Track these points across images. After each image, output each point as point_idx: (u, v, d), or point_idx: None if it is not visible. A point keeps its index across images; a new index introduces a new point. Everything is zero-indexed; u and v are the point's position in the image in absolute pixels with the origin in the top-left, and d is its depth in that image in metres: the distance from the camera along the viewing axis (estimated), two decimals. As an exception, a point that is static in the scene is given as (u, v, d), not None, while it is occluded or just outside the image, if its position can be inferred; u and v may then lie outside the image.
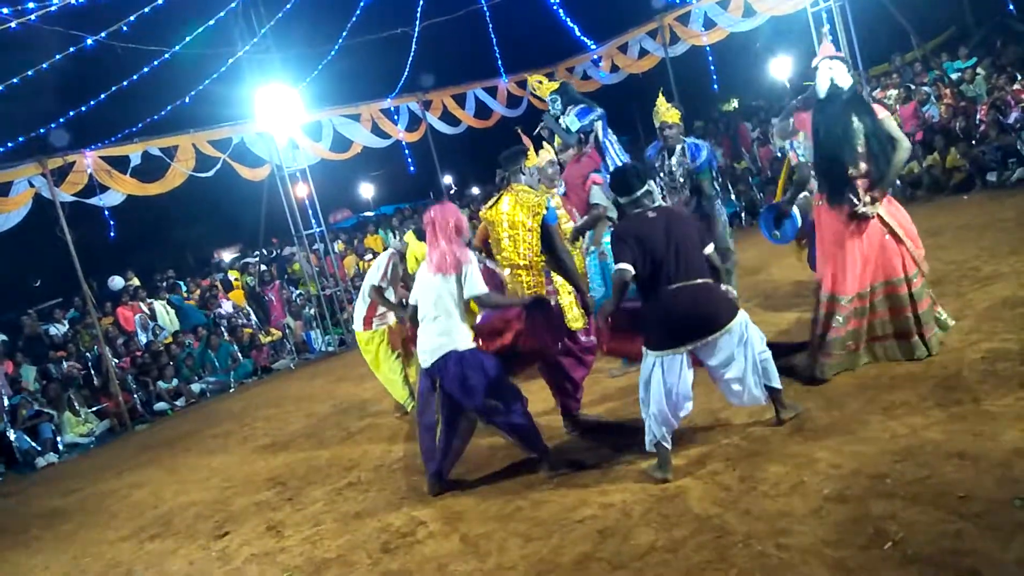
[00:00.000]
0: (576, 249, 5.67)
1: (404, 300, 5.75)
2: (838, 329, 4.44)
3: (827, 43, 4.67)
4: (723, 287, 4.04)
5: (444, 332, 4.22)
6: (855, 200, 4.32)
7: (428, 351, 4.29)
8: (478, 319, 4.53)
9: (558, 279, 4.83)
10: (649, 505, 3.54)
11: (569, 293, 4.82)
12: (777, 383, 3.96)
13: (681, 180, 6.14)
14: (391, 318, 6.32)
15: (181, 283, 13.94)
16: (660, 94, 6.26)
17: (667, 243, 3.82)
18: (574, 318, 4.79)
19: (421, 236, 5.64)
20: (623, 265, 3.84)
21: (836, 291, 4.44)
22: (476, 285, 4.19)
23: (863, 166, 4.32)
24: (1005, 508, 2.74)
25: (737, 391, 3.93)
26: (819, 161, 4.49)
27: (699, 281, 3.82)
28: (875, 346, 4.55)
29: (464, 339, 4.26)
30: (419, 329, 4.38)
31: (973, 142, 10.46)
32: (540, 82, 6.43)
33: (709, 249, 3.96)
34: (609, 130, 5.88)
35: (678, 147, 6.12)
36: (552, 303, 4.73)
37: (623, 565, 3.09)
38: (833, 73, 4.36)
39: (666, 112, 6.13)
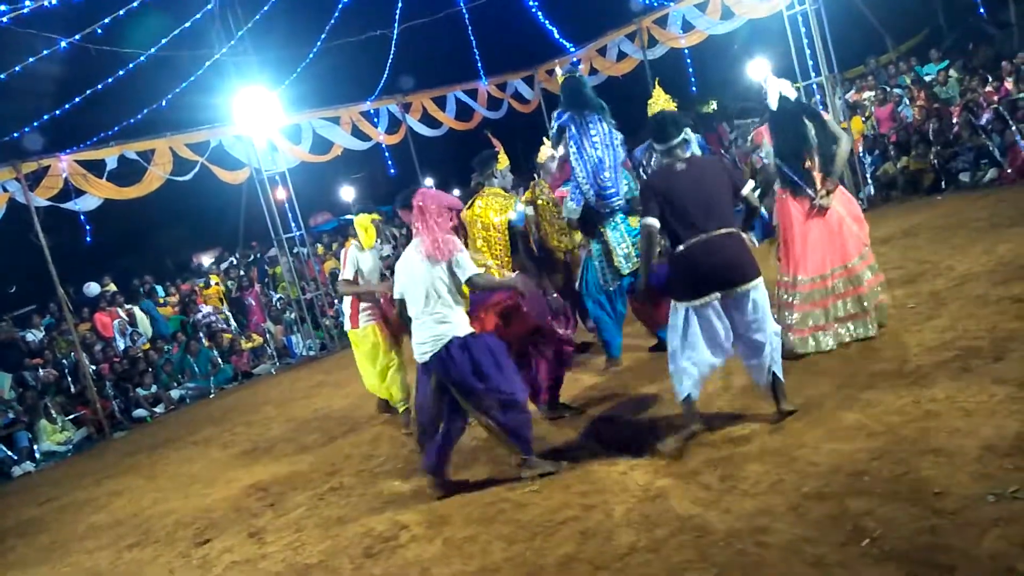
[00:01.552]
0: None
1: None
2: (801, 306, 4.90)
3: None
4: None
5: (442, 320, 4.12)
6: (812, 194, 4.86)
7: (427, 342, 4.14)
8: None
9: None
10: (631, 506, 3.56)
11: None
12: (780, 372, 4.06)
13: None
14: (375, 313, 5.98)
15: (159, 288, 13.79)
16: (657, 85, 6.27)
17: (695, 194, 3.94)
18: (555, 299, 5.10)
19: (365, 211, 5.79)
20: (649, 220, 4.01)
21: (797, 272, 4.92)
22: (470, 267, 4.11)
23: (816, 160, 4.89)
24: (980, 503, 2.79)
25: (755, 363, 4.05)
26: (780, 160, 4.96)
27: (724, 231, 3.92)
28: (840, 328, 4.92)
29: (463, 324, 4.17)
30: (413, 324, 4.25)
31: (946, 144, 10.64)
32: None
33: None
34: (590, 127, 5.64)
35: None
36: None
37: (605, 566, 3.11)
38: (780, 87, 4.91)
39: (666, 103, 6.02)
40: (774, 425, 4.01)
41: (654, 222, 3.99)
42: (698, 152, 5.92)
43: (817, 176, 4.89)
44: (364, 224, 5.77)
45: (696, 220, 3.91)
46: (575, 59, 14.89)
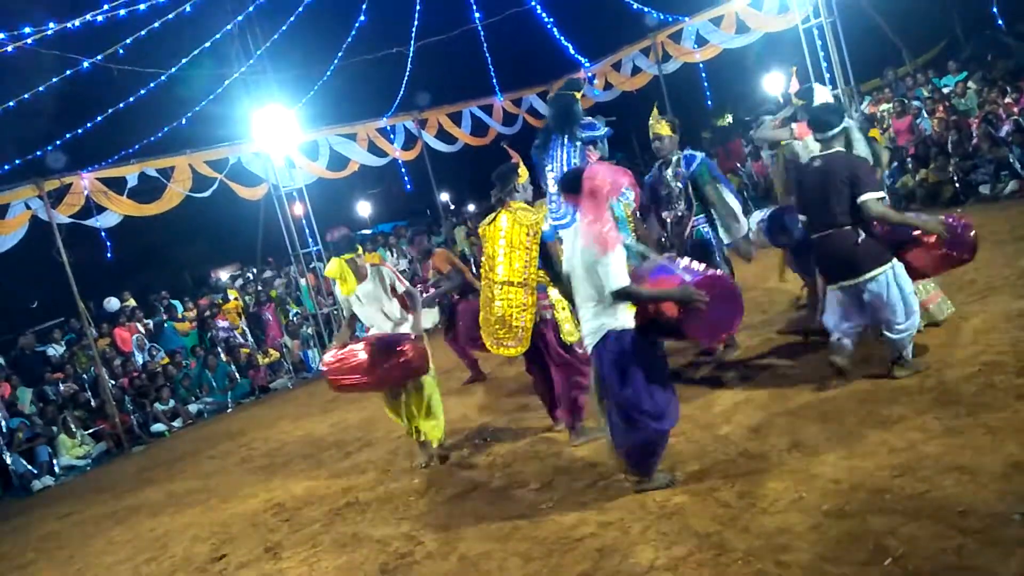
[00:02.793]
0: None
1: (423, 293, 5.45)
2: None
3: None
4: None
5: (599, 313, 3.74)
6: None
7: (589, 335, 3.84)
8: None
9: (554, 294, 4.85)
10: (648, 523, 3.52)
11: (564, 308, 4.85)
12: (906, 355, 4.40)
13: (677, 191, 5.89)
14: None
15: (177, 303, 13.92)
16: (654, 108, 6.27)
17: (818, 192, 4.40)
18: (568, 332, 4.84)
19: (338, 252, 5.13)
20: (801, 216, 4.66)
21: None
22: (617, 279, 3.61)
23: None
24: (1005, 522, 2.74)
25: (889, 338, 4.38)
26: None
27: (835, 230, 4.36)
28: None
29: (624, 317, 3.72)
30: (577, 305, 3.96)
31: (965, 156, 10.54)
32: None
33: (864, 197, 4.26)
34: (550, 150, 5.20)
35: (673, 159, 6.05)
36: (548, 317, 4.81)
37: (623, 584, 3.07)
38: (825, 94, 5.22)
39: (656, 125, 6.08)
40: (792, 441, 3.96)
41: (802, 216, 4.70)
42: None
43: None
44: (336, 273, 5.07)
45: (815, 216, 4.50)
46: (590, 74, 14.96)
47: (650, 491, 3.82)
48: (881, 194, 4.41)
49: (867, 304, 4.40)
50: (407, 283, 5.27)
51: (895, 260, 4.37)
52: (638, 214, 6.16)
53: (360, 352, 4.95)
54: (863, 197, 4.26)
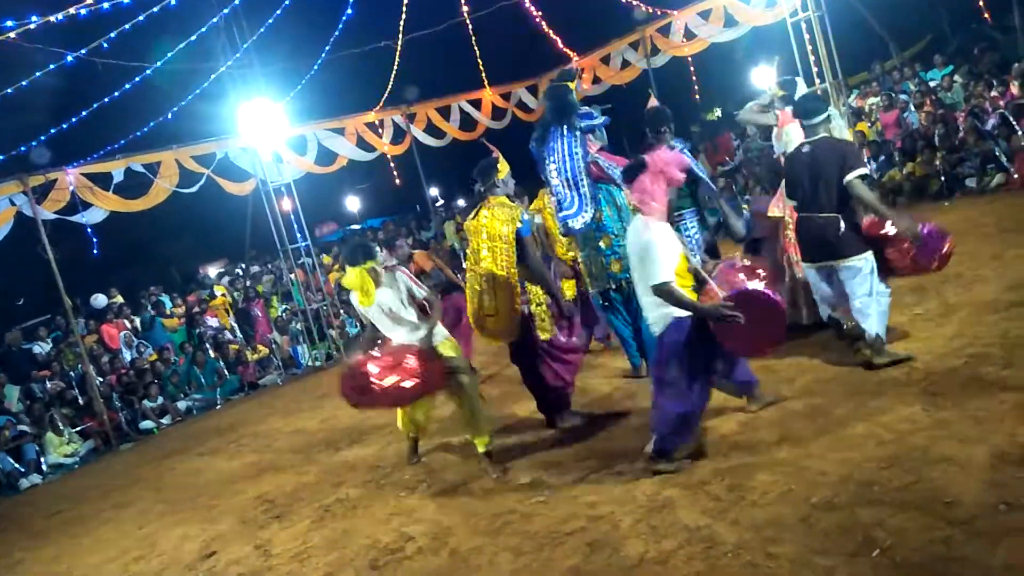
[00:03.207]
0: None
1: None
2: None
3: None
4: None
5: (659, 303, 3.79)
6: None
7: (655, 323, 3.91)
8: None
9: (532, 288, 4.93)
10: (638, 516, 3.53)
11: (539, 305, 4.91)
12: (873, 331, 4.51)
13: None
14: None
15: (166, 299, 13.82)
16: (650, 96, 6.24)
17: (807, 176, 4.59)
18: (542, 328, 4.89)
19: (353, 262, 4.68)
20: (791, 200, 4.83)
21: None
22: (662, 272, 3.68)
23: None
24: (992, 513, 2.76)
25: (859, 319, 4.55)
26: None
27: (822, 215, 4.53)
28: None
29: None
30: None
31: (952, 150, 10.60)
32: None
33: (851, 176, 4.41)
34: (550, 142, 5.16)
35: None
36: (526, 311, 4.88)
37: (613, 578, 3.08)
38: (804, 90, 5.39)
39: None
40: (781, 434, 3.98)
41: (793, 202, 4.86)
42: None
43: None
44: (356, 285, 4.67)
45: (805, 198, 4.65)
46: (578, 68, 14.93)
47: (662, 472, 3.89)
48: (866, 171, 4.55)
49: (837, 283, 4.70)
50: (425, 288, 4.94)
51: (871, 254, 4.53)
52: None
53: (405, 357, 4.50)
54: (850, 176, 4.44)
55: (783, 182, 5.09)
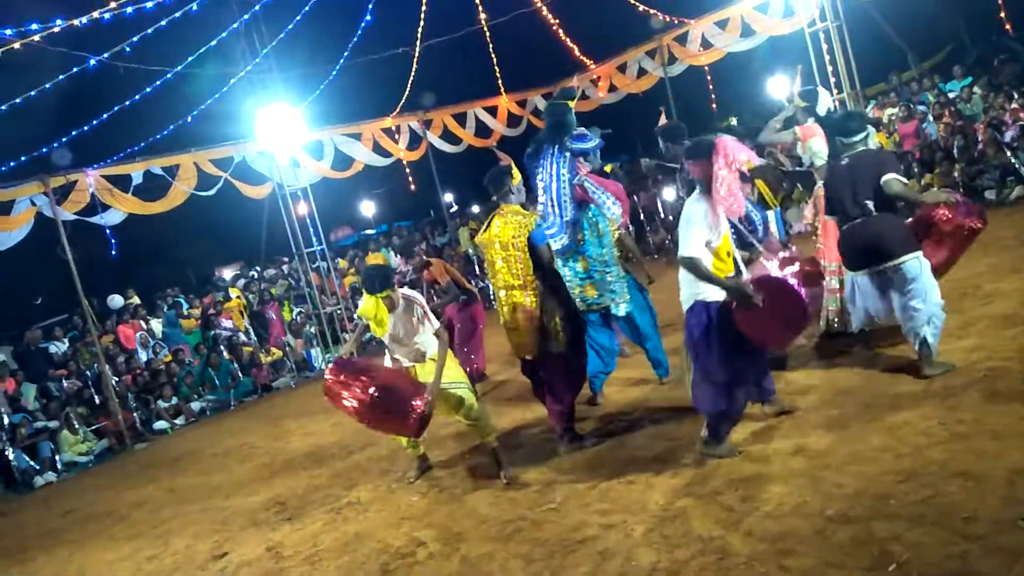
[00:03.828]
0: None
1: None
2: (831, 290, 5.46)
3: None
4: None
5: (690, 281, 3.94)
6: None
7: (687, 300, 4.02)
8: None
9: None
10: (650, 526, 3.51)
11: (555, 315, 4.78)
12: (928, 342, 4.40)
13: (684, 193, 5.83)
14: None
15: (182, 300, 13.93)
16: (661, 113, 6.23)
17: (847, 186, 4.58)
18: (559, 342, 4.75)
19: (371, 290, 4.59)
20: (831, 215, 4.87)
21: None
22: (690, 246, 3.80)
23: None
24: (1010, 528, 2.72)
25: (910, 325, 4.44)
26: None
27: (864, 218, 4.50)
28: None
29: (713, 289, 3.86)
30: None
31: (971, 161, 10.52)
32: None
33: (888, 176, 4.41)
34: (541, 159, 5.25)
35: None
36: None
37: (625, 587, 3.07)
38: (827, 99, 5.53)
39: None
40: (796, 446, 3.95)
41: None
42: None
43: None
44: (371, 313, 4.59)
45: (846, 209, 4.62)
46: (594, 76, 14.96)
47: (712, 457, 4.02)
48: (902, 178, 4.53)
49: (890, 292, 4.53)
50: (436, 322, 4.88)
51: (921, 253, 4.48)
52: (628, 228, 6.18)
53: (369, 388, 4.46)
54: (887, 176, 4.43)
55: (816, 189, 5.18)
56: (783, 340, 4.10)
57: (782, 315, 3.70)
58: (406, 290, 4.87)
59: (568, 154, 5.14)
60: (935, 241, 4.63)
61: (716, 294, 3.86)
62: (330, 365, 4.72)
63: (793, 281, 3.82)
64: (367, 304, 4.61)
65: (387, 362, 4.94)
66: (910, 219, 4.74)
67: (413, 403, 4.43)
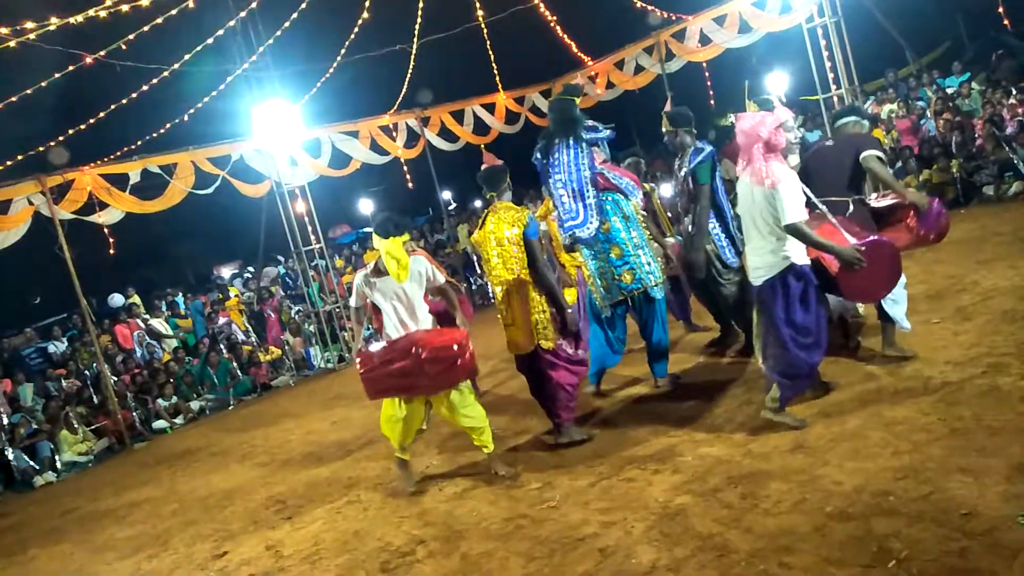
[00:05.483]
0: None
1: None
2: None
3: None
4: None
5: (774, 250, 4.05)
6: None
7: (761, 268, 4.14)
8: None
9: (534, 296, 4.79)
10: (650, 523, 3.52)
11: (542, 312, 4.80)
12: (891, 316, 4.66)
13: (685, 186, 5.62)
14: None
15: (180, 300, 13.93)
16: (669, 98, 6.19)
17: (826, 166, 4.65)
18: (544, 337, 4.78)
19: (385, 234, 4.51)
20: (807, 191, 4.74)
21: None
22: (790, 213, 3.90)
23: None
24: (1009, 525, 2.73)
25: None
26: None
27: (834, 200, 4.47)
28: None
29: (799, 252, 4.05)
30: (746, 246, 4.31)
31: (969, 157, 10.52)
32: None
33: (866, 153, 4.50)
34: (555, 153, 5.18)
35: (688, 151, 5.61)
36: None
37: (625, 584, 3.07)
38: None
39: (665, 121, 5.93)
40: (795, 443, 3.95)
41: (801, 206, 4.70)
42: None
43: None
44: (395, 253, 4.49)
45: (823, 191, 4.50)
46: (592, 73, 14.94)
47: (784, 425, 4.14)
48: (880, 153, 4.60)
49: None
50: (446, 273, 4.76)
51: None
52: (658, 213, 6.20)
53: (411, 350, 4.42)
54: (865, 153, 4.51)
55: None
56: (884, 294, 4.40)
57: (885, 271, 4.13)
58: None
59: (585, 145, 5.16)
60: (895, 231, 4.66)
61: (803, 256, 4.05)
62: (357, 361, 4.65)
63: (887, 240, 4.20)
64: (391, 244, 4.46)
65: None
66: (876, 198, 4.83)
67: (454, 347, 4.47)
